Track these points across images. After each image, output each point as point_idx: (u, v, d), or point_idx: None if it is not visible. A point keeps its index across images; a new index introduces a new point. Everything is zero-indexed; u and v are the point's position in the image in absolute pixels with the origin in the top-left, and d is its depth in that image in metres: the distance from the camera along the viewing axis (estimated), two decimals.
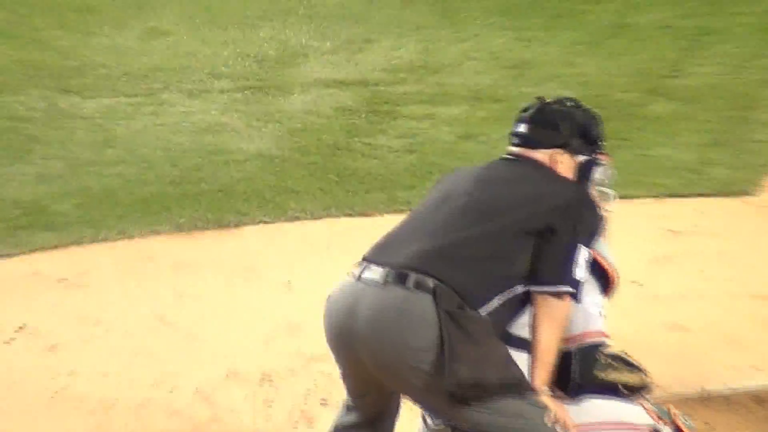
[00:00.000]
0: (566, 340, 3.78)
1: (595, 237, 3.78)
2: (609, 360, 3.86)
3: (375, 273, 3.63)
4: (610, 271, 3.98)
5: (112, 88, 11.79)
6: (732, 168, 9.22)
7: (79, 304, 6.79)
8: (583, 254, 3.65)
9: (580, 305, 3.74)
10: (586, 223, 3.72)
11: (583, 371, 3.82)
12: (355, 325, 3.57)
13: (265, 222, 8.16)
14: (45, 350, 6.24)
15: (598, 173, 4.01)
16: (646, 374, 3.93)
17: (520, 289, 3.63)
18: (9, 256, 7.55)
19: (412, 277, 3.52)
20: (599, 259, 3.92)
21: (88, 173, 9.17)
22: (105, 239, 7.84)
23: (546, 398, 3.62)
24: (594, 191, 4.00)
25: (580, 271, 3.65)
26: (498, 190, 3.79)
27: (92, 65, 12.61)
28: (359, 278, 3.66)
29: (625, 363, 3.89)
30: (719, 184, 8.88)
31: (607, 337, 3.89)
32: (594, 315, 3.88)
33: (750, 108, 10.84)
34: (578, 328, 3.83)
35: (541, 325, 3.62)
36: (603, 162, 4.02)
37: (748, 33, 13.47)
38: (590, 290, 3.86)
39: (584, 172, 3.97)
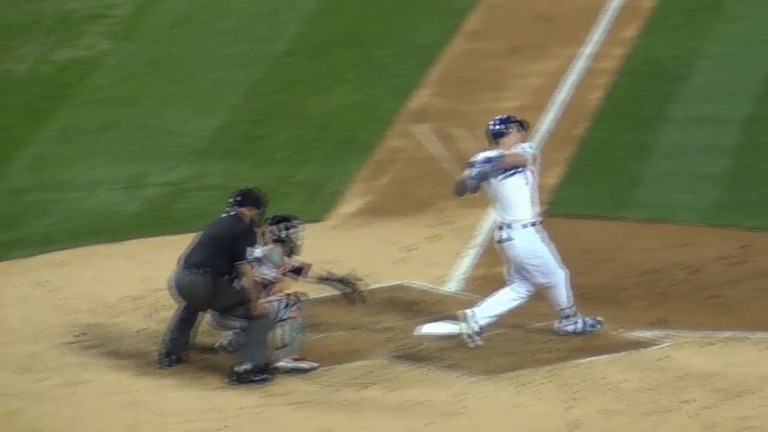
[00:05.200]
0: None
1: (255, 242, 11.98)
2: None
3: (180, 267, 12.06)
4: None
5: None
6: None
7: None
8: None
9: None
10: (253, 236, 12.05)
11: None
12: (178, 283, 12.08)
13: None
14: None
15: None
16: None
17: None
18: None
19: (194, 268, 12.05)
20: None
21: None
22: None
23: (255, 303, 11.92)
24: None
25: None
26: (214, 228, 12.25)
27: None
28: (177, 269, 12.14)
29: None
30: None
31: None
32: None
33: None
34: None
35: (246, 273, 11.86)
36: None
37: None
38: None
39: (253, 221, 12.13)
